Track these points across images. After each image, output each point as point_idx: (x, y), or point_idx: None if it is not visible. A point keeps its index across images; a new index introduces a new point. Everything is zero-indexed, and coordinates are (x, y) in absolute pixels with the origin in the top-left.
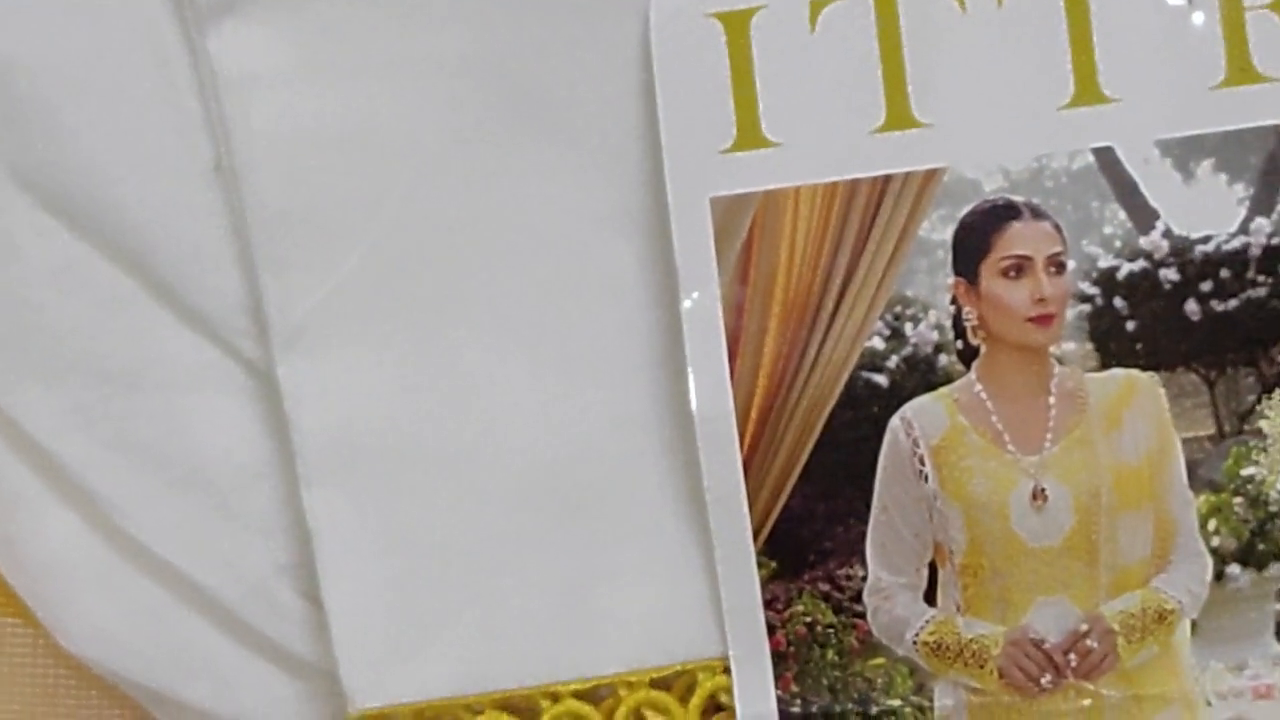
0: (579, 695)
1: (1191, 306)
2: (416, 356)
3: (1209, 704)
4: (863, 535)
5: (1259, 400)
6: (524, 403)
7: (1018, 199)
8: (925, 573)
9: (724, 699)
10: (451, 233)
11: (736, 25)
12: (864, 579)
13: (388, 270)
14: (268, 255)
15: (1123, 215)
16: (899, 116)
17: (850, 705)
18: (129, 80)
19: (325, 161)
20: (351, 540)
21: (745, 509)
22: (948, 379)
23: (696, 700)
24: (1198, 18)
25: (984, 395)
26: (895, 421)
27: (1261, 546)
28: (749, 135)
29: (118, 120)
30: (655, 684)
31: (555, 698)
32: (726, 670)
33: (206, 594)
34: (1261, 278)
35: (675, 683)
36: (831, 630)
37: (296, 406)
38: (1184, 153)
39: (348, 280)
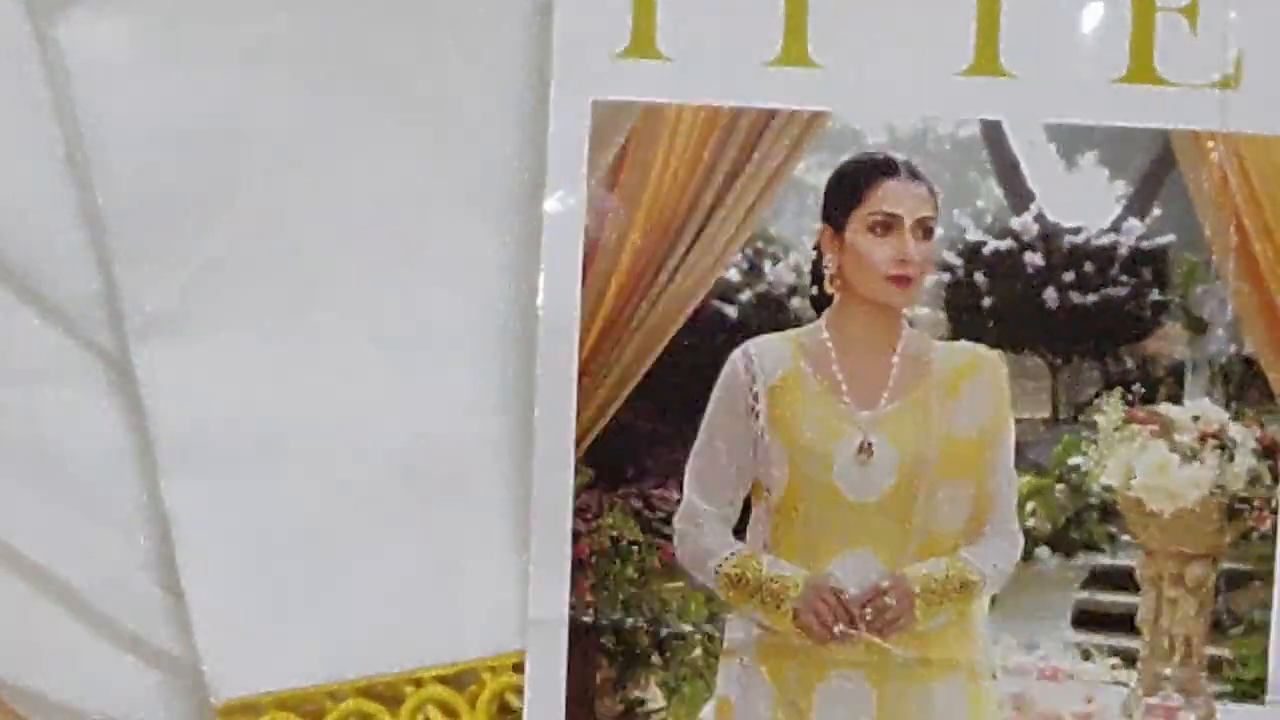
0: (443, 680)
1: (1050, 294)
2: (273, 344)
3: (994, 677)
4: (684, 460)
5: (1098, 394)
6: (379, 388)
7: (898, 156)
8: (739, 507)
9: None
10: (306, 220)
11: None
12: (678, 503)
13: (243, 259)
14: (122, 245)
15: (999, 192)
16: (794, 53)
17: (641, 623)
18: None
19: (178, 150)
20: (210, 530)
21: (572, 412)
22: (797, 322)
23: None
24: (1109, 8)
25: (829, 344)
26: (737, 354)
27: (1074, 534)
28: (642, 43)
29: None
30: (519, 668)
31: (419, 683)
32: None
33: (66, 587)
34: (1124, 278)
35: None
36: (636, 547)
37: (153, 396)
38: (1071, 141)
39: (202, 269)
